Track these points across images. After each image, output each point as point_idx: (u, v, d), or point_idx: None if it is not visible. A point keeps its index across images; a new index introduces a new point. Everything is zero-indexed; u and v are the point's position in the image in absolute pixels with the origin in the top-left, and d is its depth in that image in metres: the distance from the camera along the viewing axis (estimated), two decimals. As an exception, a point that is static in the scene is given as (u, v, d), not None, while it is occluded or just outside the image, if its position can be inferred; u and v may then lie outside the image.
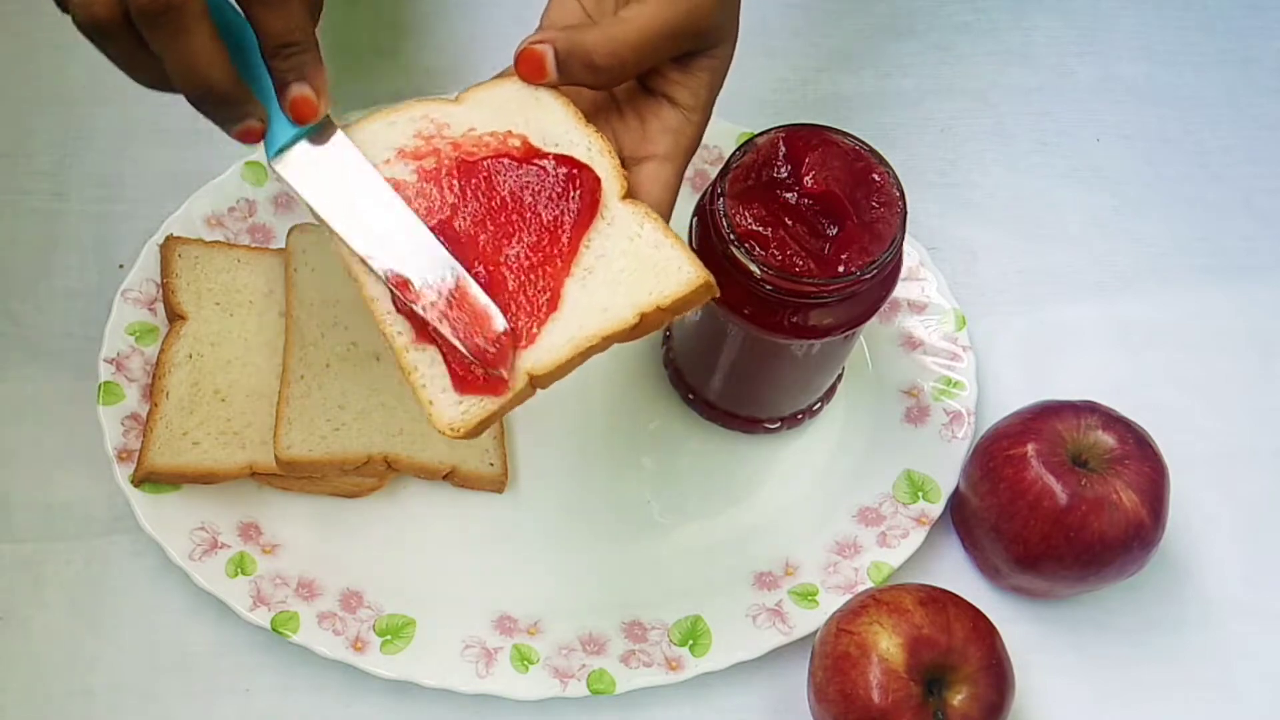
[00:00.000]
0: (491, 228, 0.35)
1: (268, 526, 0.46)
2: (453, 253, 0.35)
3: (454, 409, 0.33)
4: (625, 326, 0.34)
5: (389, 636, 0.44)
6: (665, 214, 0.37)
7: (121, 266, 0.50)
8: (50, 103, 0.54)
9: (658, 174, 0.37)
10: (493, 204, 0.35)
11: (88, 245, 0.51)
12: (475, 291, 0.34)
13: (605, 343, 0.34)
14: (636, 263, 0.34)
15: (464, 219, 0.35)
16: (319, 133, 0.35)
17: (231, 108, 0.33)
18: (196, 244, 0.49)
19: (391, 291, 0.34)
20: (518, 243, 0.35)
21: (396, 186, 0.35)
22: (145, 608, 0.46)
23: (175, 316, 0.48)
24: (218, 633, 0.45)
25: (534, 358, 0.34)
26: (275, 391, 0.47)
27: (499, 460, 0.48)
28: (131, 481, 0.45)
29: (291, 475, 0.46)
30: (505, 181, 0.35)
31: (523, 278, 0.34)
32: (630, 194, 0.36)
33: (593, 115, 0.37)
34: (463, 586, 0.46)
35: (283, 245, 0.50)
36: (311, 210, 0.35)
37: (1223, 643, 0.47)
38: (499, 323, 0.34)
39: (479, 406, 0.33)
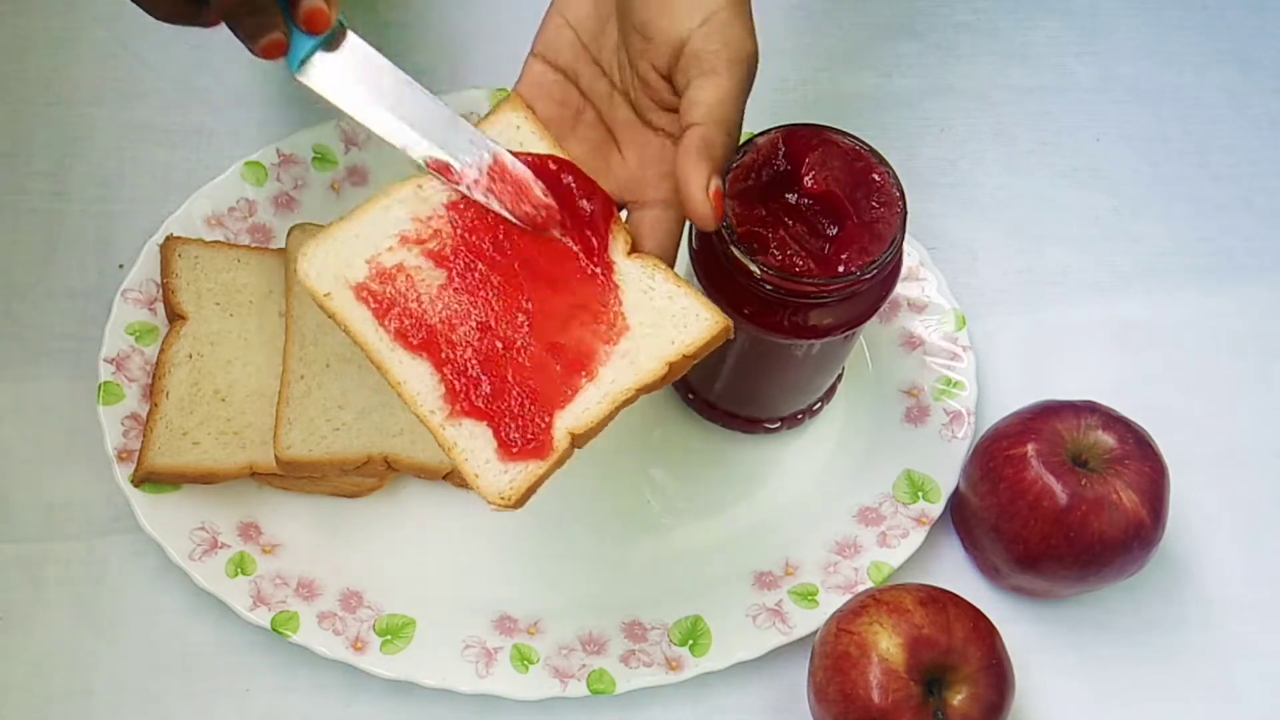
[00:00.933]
0: (512, 295, 0.36)
1: (268, 526, 0.46)
2: (480, 329, 0.35)
3: (501, 478, 0.34)
4: (656, 378, 0.35)
5: (389, 636, 0.44)
6: (670, 261, 0.37)
7: (121, 266, 0.50)
8: (50, 103, 0.54)
9: (660, 221, 0.37)
10: (512, 273, 0.36)
11: (88, 245, 0.51)
12: (512, 162, 0.36)
13: (637, 394, 0.35)
14: (655, 316, 0.36)
15: (482, 293, 0.36)
16: (333, 40, 0.36)
17: (264, 16, 0.34)
18: (196, 244, 0.49)
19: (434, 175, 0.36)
20: (542, 309, 0.36)
21: (406, 275, 0.36)
22: (145, 607, 0.46)
23: (175, 316, 0.48)
24: (218, 633, 0.45)
25: (573, 418, 0.34)
26: (275, 391, 0.47)
27: (499, 460, 0.48)
28: (131, 481, 0.45)
29: (291, 475, 0.46)
30: (523, 251, 0.36)
31: (554, 342, 0.35)
32: (634, 245, 0.37)
33: (592, 155, 0.38)
34: (463, 586, 0.46)
35: (283, 245, 0.50)
36: (344, 113, 0.36)
37: (1222, 642, 0.47)
38: (539, 189, 0.35)
39: (526, 472, 0.34)
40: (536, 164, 0.36)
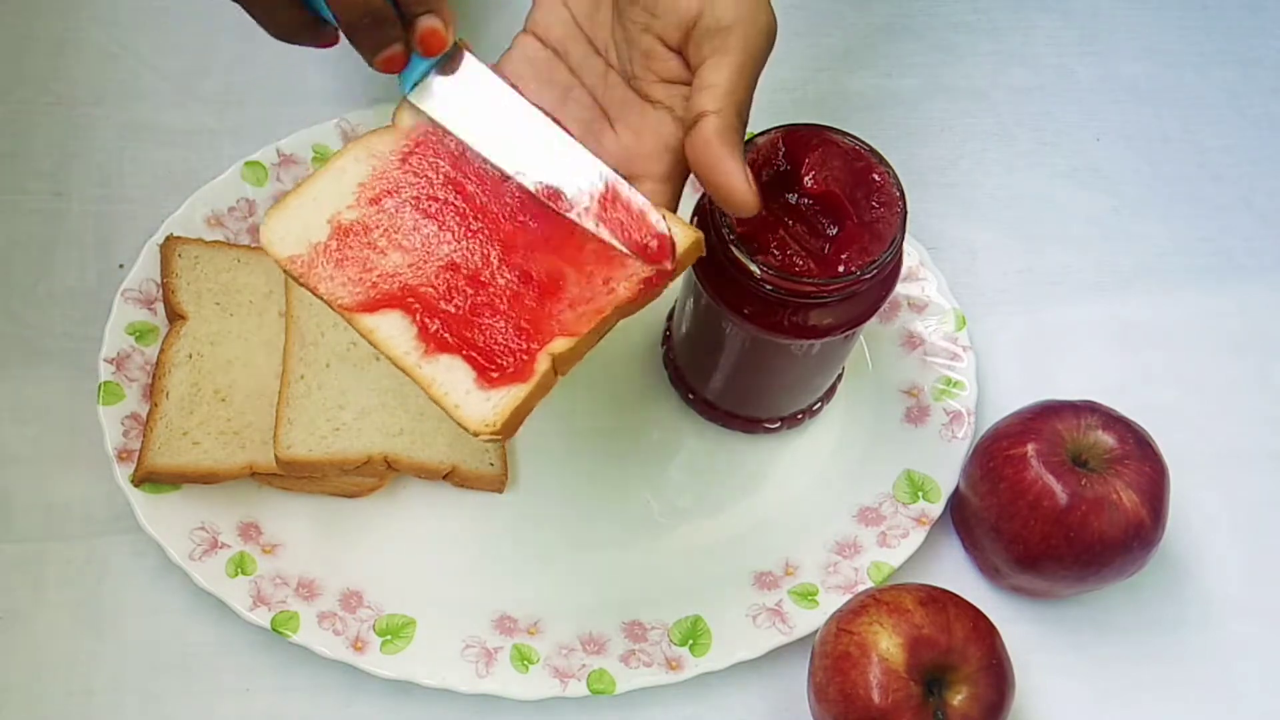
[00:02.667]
0: (479, 233, 0.36)
1: (268, 526, 0.46)
2: (467, 244, 0.35)
3: (484, 406, 0.34)
4: (630, 297, 0.35)
5: (389, 636, 0.44)
6: None
7: (122, 266, 0.50)
8: (51, 103, 0.54)
9: (657, 195, 0.37)
10: (478, 213, 0.36)
11: (88, 245, 0.51)
12: (628, 191, 0.35)
13: (616, 315, 0.35)
14: None
15: (447, 234, 0.36)
16: (449, 61, 0.36)
17: (386, 29, 0.34)
18: (196, 244, 0.49)
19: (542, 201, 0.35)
20: (510, 242, 0.36)
21: (367, 228, 0.35)
22: (145, 607, 0.46)
23: (175, 316, 0.48)
24: (218, 632, 0.45)
25: (555, 344, 0.34)
26: (275, 391, 0.47)
27: (499, 460, 0.48)
28: (131, 481, 0.45)
29: (292, 475, 0.46)
30: (489, 192, 0.36)
31: (525, 271, 0.35)
32: None
33: (583, 133, 0.37)
34: (463, 586, 0.46)
35: (283, 245, 0.50)
36: (455, 137, 0.36)
37: (1222, 642, 0.48)
38: (655, 218, 0.35)
39: (509, 397, 0.34)
40: None
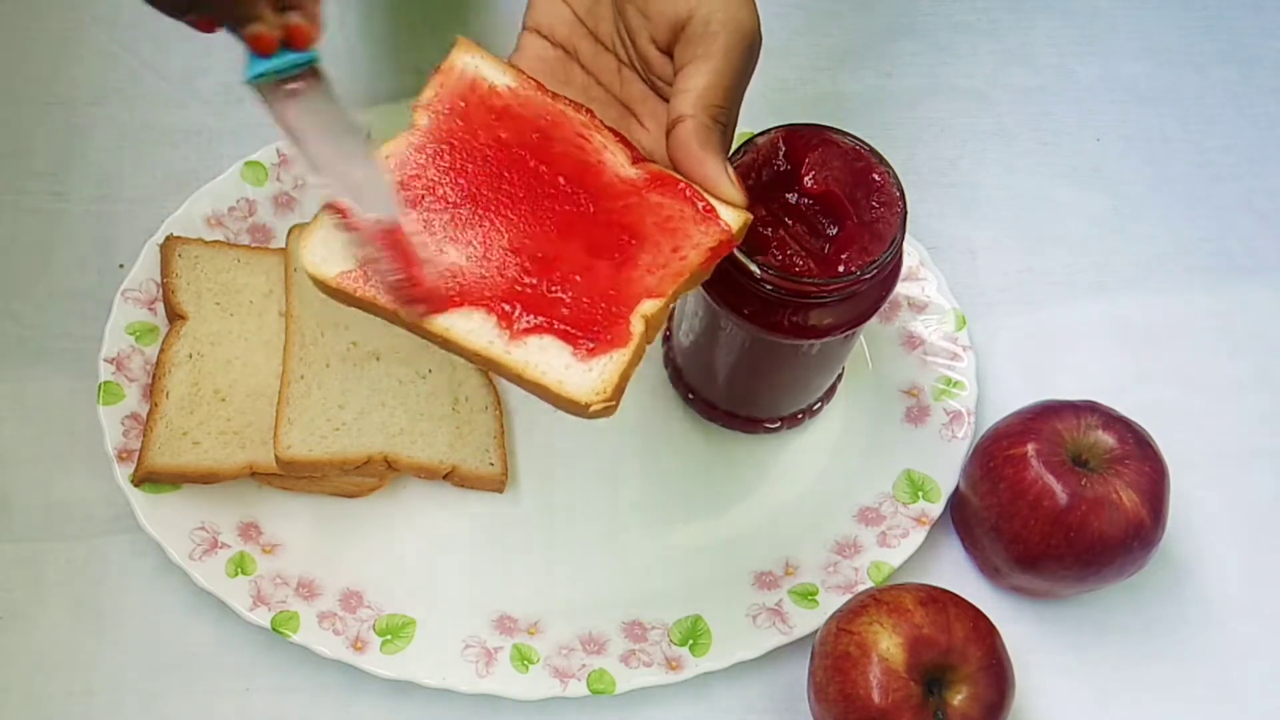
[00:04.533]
0: (531, 211, 0.35)
1: (268, 526, 0.46)
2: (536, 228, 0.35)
3: (587, 377, 0.33)
4: (700, 260, 0.35)
5: (389, 636, 0.44)
6: None
7: (122, 266, 0.50)
8: (51, 103, 0.54)
9: None
10: (526, 190, 0.36)
11: (88, 245, 0.51)
12: (410, 239, 0.34)
13: (692, 280, 0.35)
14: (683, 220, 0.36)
15: (499, 217, 0.35)
16: (304, 73, 0.34)
17: (242, 6, 0.33)
18: (196, 244, 0.49)
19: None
20: (568, 218, 0.35)
21: (414, 228, 0.35)
22: (145, 607, 0.46)
23: (175, 316, 0.48)
24: (218, 632, 0.45)
25: (644, 306, 0.34)
26: (275, 391, 0.47)
27: (499, 460, 0.48)
28: (131, 481, 0.45)
29: (292, 475, 0.46)
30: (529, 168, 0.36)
31: (592, 243, 0.35)
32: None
33: (614, 124, 0.37)
34: (463, 586, 0.46)
35: (283, 245, 0.50)
36: (280, 131, 0.35)
37: (1222, 642, 0.48)
38: (425, 272, 0.34)
39: (612, 363, 0.33)
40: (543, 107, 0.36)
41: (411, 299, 0.33)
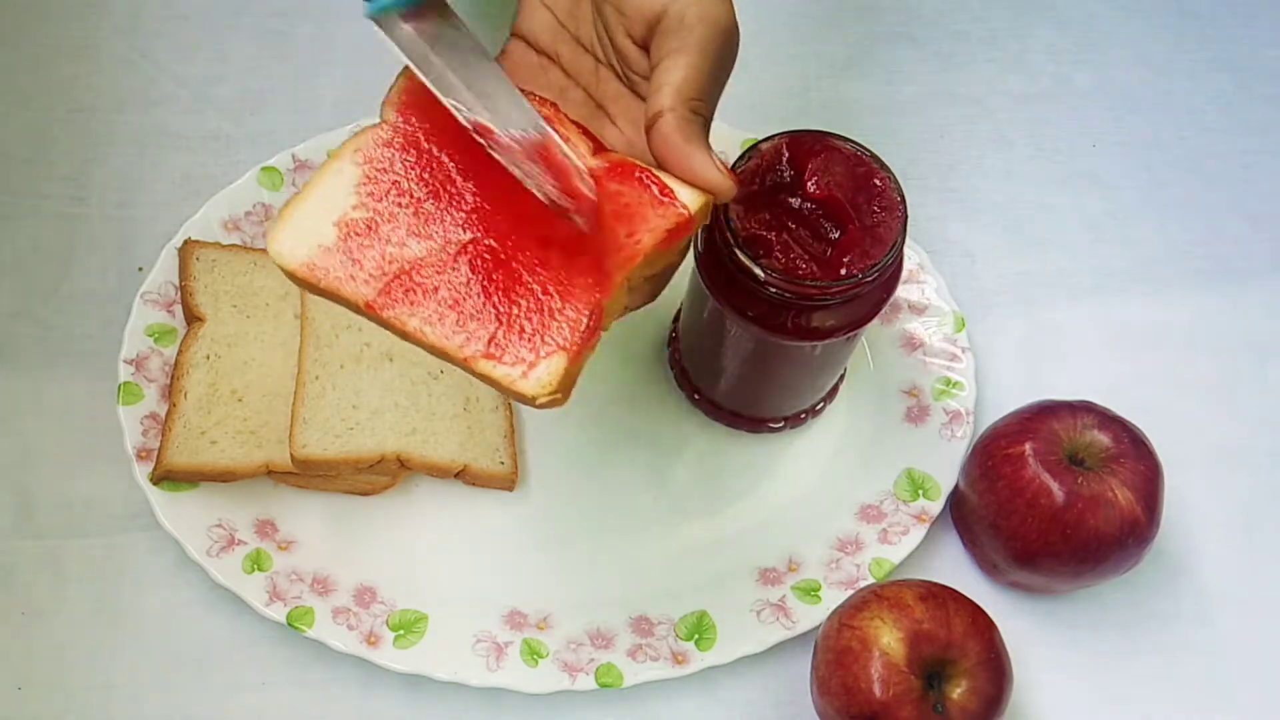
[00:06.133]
0: (488, 208, 0.35)
1: (283, 524, 0.47)
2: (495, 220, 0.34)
3: (536, 370, 0.33)
4: (650, 246, 0.35)
5: (402, 631, 0.45)
6: None
7: (141, 269, 0.51)
8: (71, 110, 0.55)
9: None
10: (485, 188, 0.36)
11: (108, 249, 0.52)
12: (561, 151, 0.34)
13: (646, 266, 0.35)
14: (638, 194, 0.35)
15: (456, 213, 0.35)
16: (433, 4, 0.35)
17: None
18: (214, 247, 0.50)
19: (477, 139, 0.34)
20: (520, 213, 0.35)
21: (376, 223, 0.35)
22: (164, 603, 0.46)
23: (193, 318, 0.49)
24: (235, 627, 0.46)
25: (594, 294, 0.34)
26: (291, 391, 0.47)
27: (509, 459, 0.48)
28: (150, 480, 0.46)
29: (307, 474, 0.47)
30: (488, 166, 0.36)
31: (544, 236, 0.35)
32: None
33: (585, 123, 0.38)
34: (474, 582, 0.47)
35: (298, 249, 0.51)
36: (406, 60, 0.35)
37: (1216, 636, 0.48)
38: (581, 181, 0.34)
39: (560, 356, 0.33)
40: None
41: (574, 211, 0.33)
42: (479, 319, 0.34)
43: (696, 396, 0.50)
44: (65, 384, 0.49)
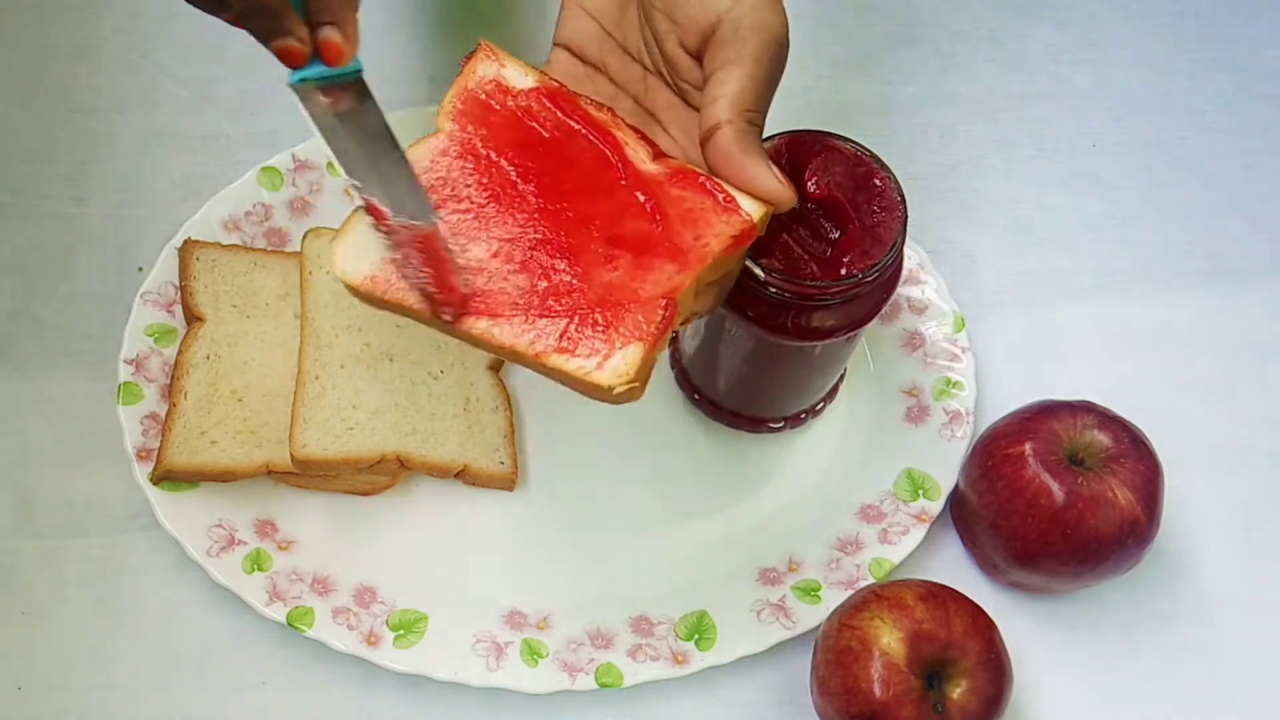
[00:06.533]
0: (552, 209, 0.36)
1: (283, 524, 0.47)
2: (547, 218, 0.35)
3: (612, 362, 0.33)
4: (722, 248, 0.35)
5: (402, 631, 0.45)
6: None
7: (141, 269, 0.51)
8: (72, 110, 0.55)
9: None
10: (544, 190, 0.36)
11: (108, 249, 0.52)
12: (446, 246, 0.34)
13: (713, 269, 0.35)
14: (700, 201, 0.36)
15: (519, 215, 0.35)
16: (346, 85, 0.35)
17: (275, 21, 0.34)
18: (214, 247, 0.50)
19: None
20: (585, 213, 0.36)
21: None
22: (164, 603, 0.46)
23: (193, 318, 0.49)
24: (234, 627, 0.46)
25: (667, 290, 0.34)
26: (291, 392, 0.47)
27: (509, 459, 0.48)
28: (150, 479, 0.46)
29: (307, 474, 0.47)
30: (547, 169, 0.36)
31: (614, 234, 0.35)
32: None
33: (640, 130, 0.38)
34: (474, 582, 0.47)
35: (298, 248, 0.51)
36: (317, 134, 0.35)
37: (1216, 636, 0.48)
38: (458, 281, 0.34)
39: (635, 347, 0.33)
40: (558, 93, 0.36)
41: (442, 304, 0.34)
42: (549, 315, 0.34)
43: (696, 396, 0.51)
44: (65, 383, 0.49)
